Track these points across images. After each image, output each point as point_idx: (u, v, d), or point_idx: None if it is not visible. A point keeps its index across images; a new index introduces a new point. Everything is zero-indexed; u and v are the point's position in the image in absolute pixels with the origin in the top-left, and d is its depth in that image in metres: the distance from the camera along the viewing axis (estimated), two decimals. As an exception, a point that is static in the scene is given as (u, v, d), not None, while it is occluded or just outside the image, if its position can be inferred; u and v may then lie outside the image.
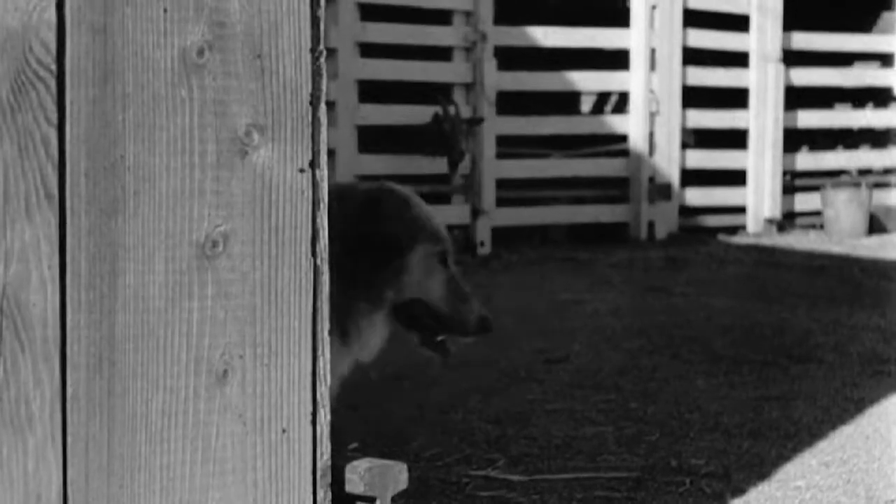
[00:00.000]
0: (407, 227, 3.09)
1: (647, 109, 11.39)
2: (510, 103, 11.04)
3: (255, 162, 2.03)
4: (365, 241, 3.00)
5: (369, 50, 10.23)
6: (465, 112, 10.50)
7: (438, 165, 10.35)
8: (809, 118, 12.55)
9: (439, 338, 3.15)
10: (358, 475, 2.23)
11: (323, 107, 2.11)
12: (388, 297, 3.07)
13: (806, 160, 12.54)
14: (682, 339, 6.65)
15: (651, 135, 11.43)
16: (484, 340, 6.65)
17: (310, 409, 2.11)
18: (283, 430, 2.08)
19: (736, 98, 12.01)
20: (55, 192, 1.83)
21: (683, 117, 11.63)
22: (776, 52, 12.06)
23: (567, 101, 12.53)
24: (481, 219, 10.61)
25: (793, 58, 12.28)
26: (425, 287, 3.10)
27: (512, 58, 11.01)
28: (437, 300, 3.11)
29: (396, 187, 3.23)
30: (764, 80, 12.00)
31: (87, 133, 1.86)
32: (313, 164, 2.09)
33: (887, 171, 12.98)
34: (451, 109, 10.28)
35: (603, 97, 13.34)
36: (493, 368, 5.88)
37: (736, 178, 12.06)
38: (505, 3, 10.95)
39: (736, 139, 12.10)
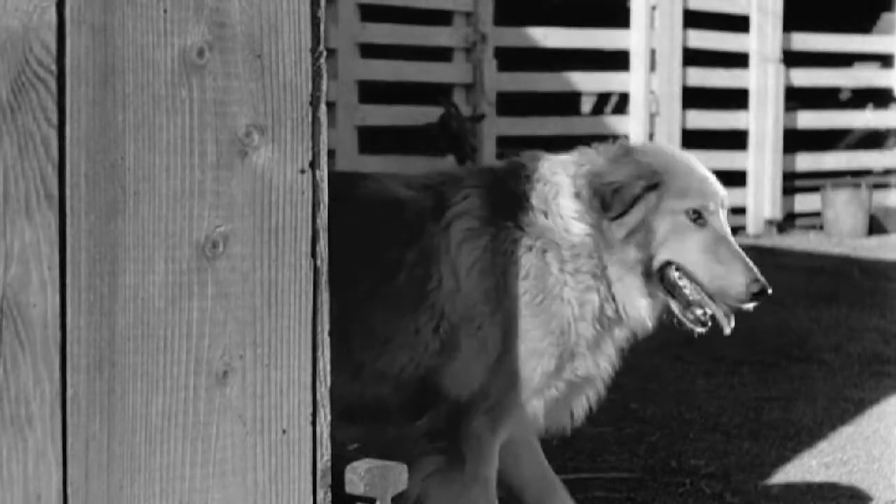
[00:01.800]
0: (639, 179, 2.93)
1: (648, 110, 11.39)
2: (510, 104, 11.04)
3: (255, 162, 2.03)
4: (602, 195, 2.93)
5: (369, 50, 10.23)
6: (465, 113, 10.50)
7: (438, 165, 10.35)
8: (809, 119, 12.54)
9: (698, 310, 2.97)
10: (358, 476, 2.23)
11: (323, 107, 2.11)
12: (634, 257, 2.94)
13: (806, 161, 12.53)
14: (683, 340, 6.63)
15: (651, 136, 11.42)
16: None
17: (310, 409, 2.11)
18: (284, 431, 2.08)
19: (736, 99, 12.00)
20: (55, 192, 1.83)
21: (683, 118, 11.62)
22: (776, 53, 12.06)
23: (567, 102, 12.52)
24: (481, 219, 10.60)
25: (793, 58, 12.28)
26: (675, 249, 2.94)
27: (512, 58, 11.00)
28: (691, 264, 2.94)
29: (661, 146, 3.15)
30: (764, 80, 11.99)
31: (87, 133, 1.86)
32: (313, 165, 2.10)
33: (887, 172, 12.98)
34: (452, 110, 10.28)
35: (603, 98, 13.32)
36: (493, 369, 5.87)
37: (736, 178, 12.06)
38: (505, 3, 10.95)
39: (736, 140, 12.09)
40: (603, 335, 3.01)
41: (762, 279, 2.91)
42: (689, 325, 3.01)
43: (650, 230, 2.93)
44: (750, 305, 2.95)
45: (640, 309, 2.99)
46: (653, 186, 2.94)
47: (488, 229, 2.95)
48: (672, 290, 2.98)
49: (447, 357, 2.92)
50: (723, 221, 3.00)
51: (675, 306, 2.99)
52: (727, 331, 3.00)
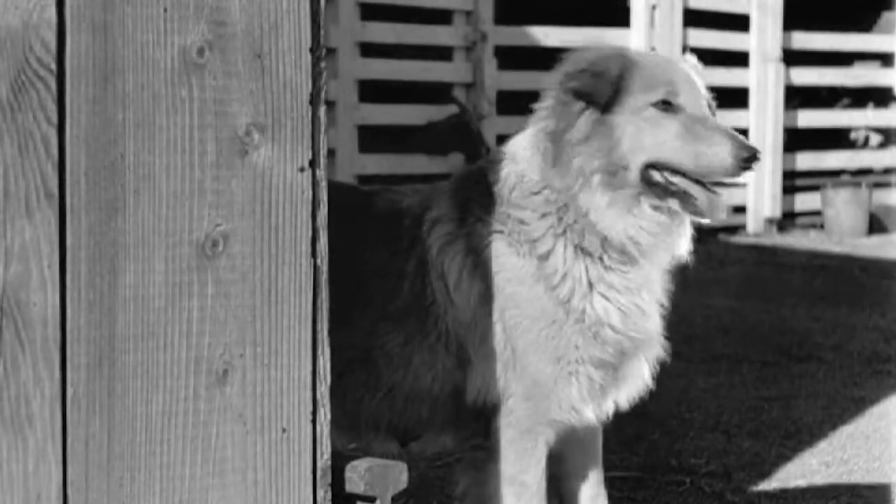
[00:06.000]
0: (602, 82, 2.74)
1: (648, 109, 11.38)
2: (510, 103, 11.04)
3: (256, 161, 2.03)
4: (578, 90, 2.75)
5: (369, 49, 10.23)
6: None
7: (438, 164, 10.35)
8: (810, 118, 12.55)
9: (695, 200, 2.75)
10: (358, 475, 2.23)
11: (323, 106, 2.11)
12: (594, 166, 2.72)
13: (806, 160, 12.53)
14: (683, 339, 6.65)
15: (651, 134, 11.41)
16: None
17: (310, 408, 2.11)
18: (284, 430, 2.08)
19: (736, 98, 12.01)
20: (55, 191, 1.83)
21: (684, 117, 11.61)
22: (776, 52, 12.06)
23: (567, 101, 12.50)
24: (481, 218, 10.58)
25: (793, 57, 12.28)
26: (650, 146, 2.73)
27: (512, 57, 11.01)
28: (671, 155, 2.73)
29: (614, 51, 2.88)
30: (764, 79, 11.99)
31: (87, 132, 1.86)
32: (313, 164, 2.10)
33: (887, 171, 12.98)
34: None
35: (603, 97, 13.29)
36: (494, 368, 5.86)
37: (736, 177, 12.05)
38: (505, 2, 10.95)
39: (736, 139, 12.09)
40: (603, 294, 2.81)
41: (750, 143, 2.69)
42: (697, 219, 2.81)
43: (612, 133, 2.72)
44: (742, 178, 2.75)
45: (620, 226, 2.76)
46: (617, 81, 2.75)
47: (463, 230, 2.85)
48: (665, 191, 2.76)
49: (464, 372, 2.85)
50: (698, 102, 2.78)
51: (676, 205, 2.77)
52: (721, 216, 2.78)
